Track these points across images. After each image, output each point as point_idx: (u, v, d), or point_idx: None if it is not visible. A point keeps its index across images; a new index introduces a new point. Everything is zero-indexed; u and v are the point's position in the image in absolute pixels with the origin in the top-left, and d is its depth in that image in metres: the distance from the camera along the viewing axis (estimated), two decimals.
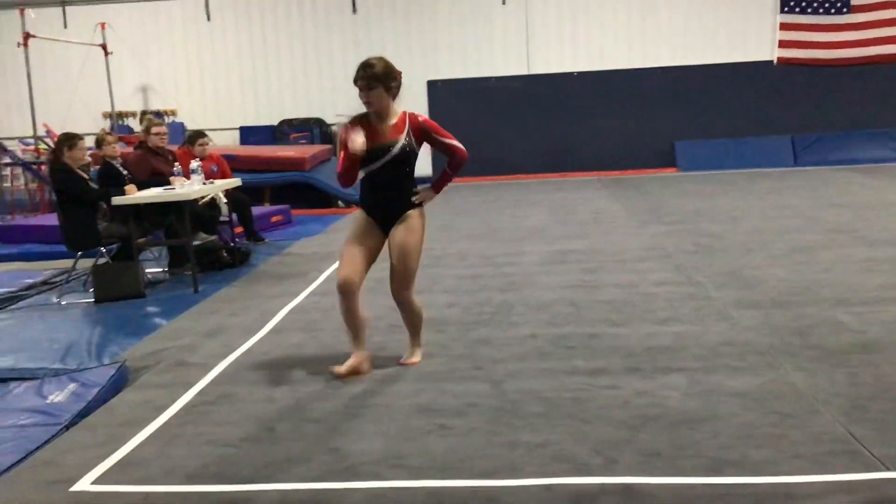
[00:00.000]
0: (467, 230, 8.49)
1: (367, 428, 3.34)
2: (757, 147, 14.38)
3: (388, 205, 4.05)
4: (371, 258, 4.04)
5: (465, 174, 14.48)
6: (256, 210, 8.44)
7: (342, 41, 14.81)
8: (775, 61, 14.55)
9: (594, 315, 4.92)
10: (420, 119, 4.08)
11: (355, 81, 3.94)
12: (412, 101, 16.00)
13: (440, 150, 4.10)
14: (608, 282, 5.76)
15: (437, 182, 4.15)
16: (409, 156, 4.00)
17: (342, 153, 4.00)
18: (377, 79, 3.91)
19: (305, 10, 15.21)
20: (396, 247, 4.00)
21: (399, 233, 4.01)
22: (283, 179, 11.45)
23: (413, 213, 4.05)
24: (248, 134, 14.72)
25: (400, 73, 4.03)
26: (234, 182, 7.63)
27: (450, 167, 4.11)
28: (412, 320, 4.17)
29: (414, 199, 4.05)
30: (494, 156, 14.75)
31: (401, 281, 4.04)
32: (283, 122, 14.82)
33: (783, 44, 14.48)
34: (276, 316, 5.28)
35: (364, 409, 3.54)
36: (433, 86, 14.99)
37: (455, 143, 4.09)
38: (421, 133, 4.04)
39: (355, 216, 4.13)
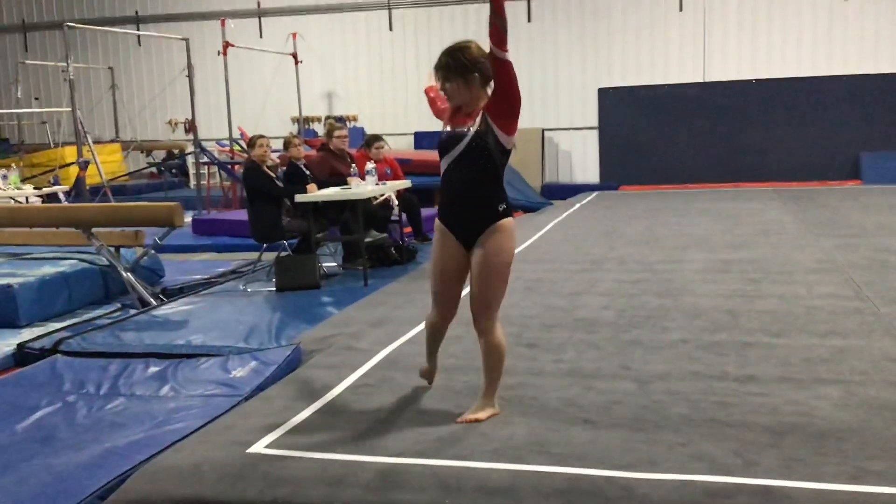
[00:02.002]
0: (630, 236, 8.50)
1: (514, 416, 3.52)
2: None
3: (466, 214, 3.39)
4: (457, 282, 3.52)
5: (634, 182, 14.39)
6: (425, 211, 8.81)
7: (516, 49, 14.93)
8: None
9: (751, 324, 4.87)
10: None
11: (435, 74, 3.39)
12: (582, 108, 16.11)
13: (495, 68, 3.25)
14: (770, 293, 5.66)
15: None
16: (486, 145, 3.29)
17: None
18: (452, 69, 3.31)
19: (482, 20, 15.58)
20: (477, 266, 3.38)
21: (482, 250, 3.36)
22: None
23: (501, 226, 3.36)
24: (422, 139, 15.29)
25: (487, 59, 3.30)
26: (405, 184, 8.03)
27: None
28: (489, 358, 3.49)
29: None
30: (664, 164, 14.57)
31: (479, 307, 3.43)
32: None
33: None
34: None
35: (513, 399, 3.72)
36: (604, 93, 14.98)
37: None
38: (493, 105, 3.28)
39: (436, 229, 3.52)
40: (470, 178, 3.36)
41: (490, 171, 3.35)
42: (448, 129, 3.44)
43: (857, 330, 4.69)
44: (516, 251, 6.86)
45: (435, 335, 3.82)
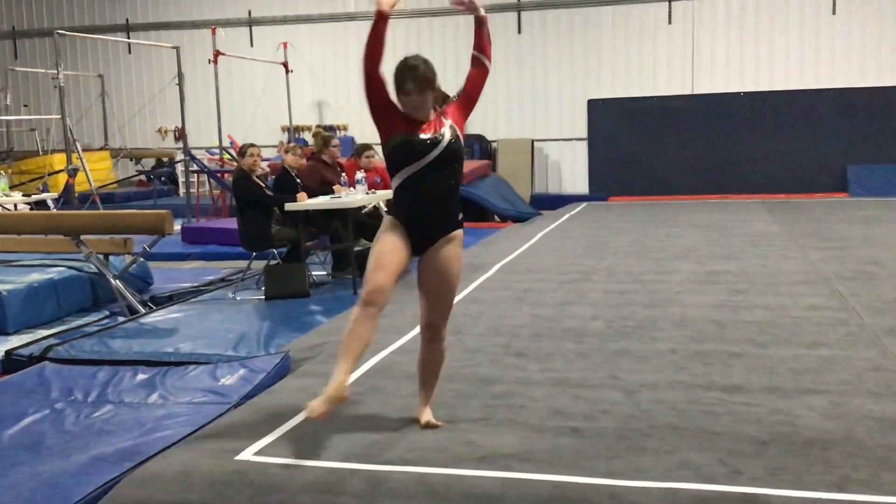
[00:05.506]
0: (618, 247, 8.54)
1: (502, 425, 3.54)
2: None
3: (432, 222, 3.39)
4: (401, 271, 3.39)
5: (623, 193, 14.47)
6: None
7: (506, 61, 15.10)
8: None
9: (738, 335, 4.91)
10: (451, 97, 3.51)
11: (403, 84, 3.31)
12: (571, 119, 16.14)
13: (476, 66, 3.57)
14: (757, 303, 5.70)
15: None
16: (458, 150, 3.39)
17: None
18: (427, 81, 3.35)
19: (471, 31, 15.61)
20: (442, 274, 3.40)
21: (445, 258, 3.39)
22: None
23: (458, 234, 3.43)
24: None
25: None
26: None
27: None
28: (437, 364, 3.57)
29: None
30: (653, 176, 14.64)
31: (443, 316, 3.50)
32: None
33: None
34: None
35: (501, 408, 3.74)
36: (594, 105, 15.05)
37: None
38: (460, 112, 3.48)
39: (388, 221, 3.41)
40: (443, 185, 3.37)
41: (458, 178, 3.44)
42: (420, 135, 3.34)
43: (843, 340, 4.73)
44: (505, 261, 6.89)
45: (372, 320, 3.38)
